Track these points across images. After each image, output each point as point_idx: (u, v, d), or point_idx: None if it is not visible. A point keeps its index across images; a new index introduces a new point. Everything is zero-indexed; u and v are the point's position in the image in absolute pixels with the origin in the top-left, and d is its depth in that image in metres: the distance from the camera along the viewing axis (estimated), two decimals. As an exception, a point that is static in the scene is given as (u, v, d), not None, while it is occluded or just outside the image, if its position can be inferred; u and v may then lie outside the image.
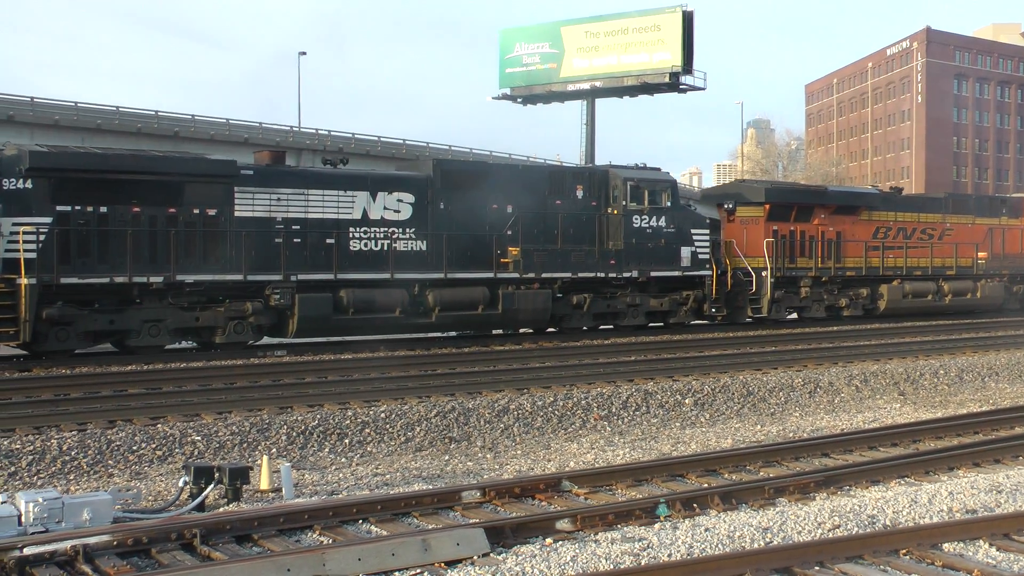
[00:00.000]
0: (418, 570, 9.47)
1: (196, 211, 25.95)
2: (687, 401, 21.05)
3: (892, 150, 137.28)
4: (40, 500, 10.99)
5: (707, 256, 34.19)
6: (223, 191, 26.40)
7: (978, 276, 42.32)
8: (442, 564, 9.61)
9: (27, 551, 9.62)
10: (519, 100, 71.60)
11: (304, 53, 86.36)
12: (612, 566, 9.53)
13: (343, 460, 16.20)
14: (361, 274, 27.87)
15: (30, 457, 15.03)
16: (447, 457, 16.47)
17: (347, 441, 17.03)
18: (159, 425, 16.83)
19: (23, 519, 10.86)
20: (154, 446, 15.86)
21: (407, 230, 28.99)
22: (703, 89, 67.66)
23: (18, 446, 15.27)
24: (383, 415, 18.06)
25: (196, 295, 25.79)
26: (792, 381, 23.10)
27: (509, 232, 30.34)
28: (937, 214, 41.78)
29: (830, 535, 10.59)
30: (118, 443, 15.76)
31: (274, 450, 16.17)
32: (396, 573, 9.41)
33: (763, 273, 35.70)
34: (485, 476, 14.76)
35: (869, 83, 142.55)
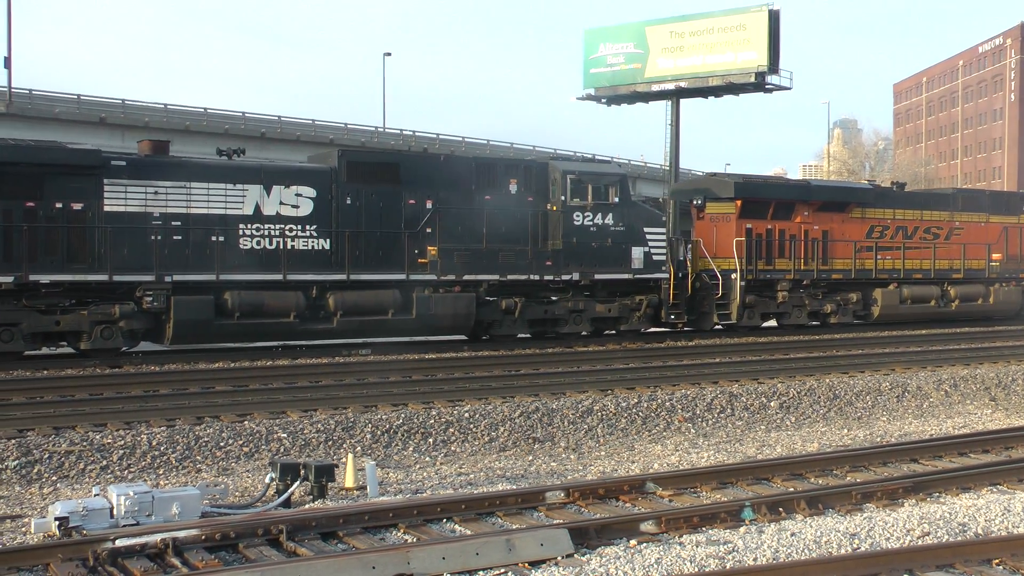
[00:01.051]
0: (502, 570, 9.49)
1: (59, 205, 23.94)
2: (772, 404, 20.87)
3: (983, 150, 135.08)
4: (131, 494, 11.17)
5: (663, 257, 31.32)
6: (91, 184, 24.29)
7: (991, 280, 39.29)
8: (526, 564, 9.62)
9: (119, 543, 9.79)
10: (603, 101, 71.31)
11: (389, 54, 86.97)
12: (696, 569, 9.48)
13: (427, 459, 16.27)
14: (249, 275, 25.61)
15: (121, 451, 15.27)
16: (531, 457, 16.48)
17: (431, 440, 17.10)
18: (246, 422, 17.02)
19: (115, 512, 11.04)
20: (241, 443, 16.04)
21: (307, 227, 26.60)
22: (789, 89, 66.86)
23: (109, 440, 15.53)
24: (467, 415, 18.11)
25: (56, 297, 23.79)
26: (879, 385, 22.81)
27: (429, 230, 27.79)
28: (944, 212, 38.82)
29: (919, 542, 10.45)
30: (206, 439, 15.96)
31: (359, 448, 16.28)
32: (480, 572, 9.43)
33: (732, 275, 32.78)
34: (569, 477, 14.75)
35: (960, 81, 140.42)
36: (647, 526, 10.76)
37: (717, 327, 33.38)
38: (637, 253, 30.88)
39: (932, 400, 22.61)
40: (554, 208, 29.72)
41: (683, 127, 65.41)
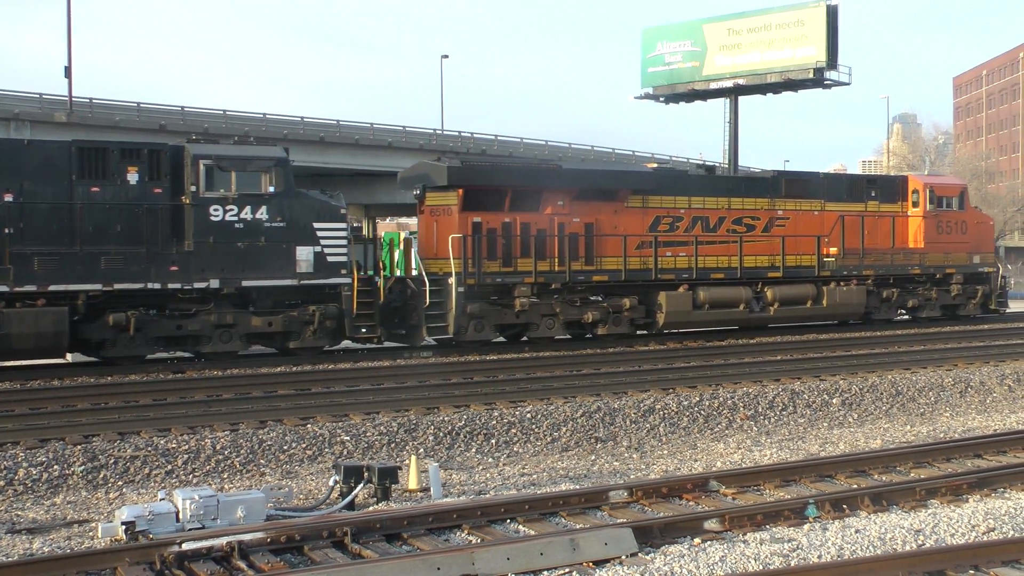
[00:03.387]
0: (566, 569, 9.50)
1: None
2: (835, 401, 20.74)
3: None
4: (196, 497, 11.28)
5: (342, 258, 25.81)
6: None
7: (825, 279, 33.52)
8: (590, 564, 9.63)
9: (185, 546, 9.88)
10: (661, 99, 71.19)
11: (447, 56, 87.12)
12: (761, 567, 9.45)
13: (490, 460, 16.30)
14: None
15: (185, 456, 15.43)
16: (593, 457, 16.47)
17: (493, 441, 17.14)
18: (309, 425, 17.13)
19: (180, 515, 11.15)
20: (304, 446, 16.15)
21: None
22: (848, 84, 66.49)
23: (174, 445, 15.69)
24: (529, 415, 18.14)
25: None
26: (942, 381, 22.61)
27: (8, 230, 22.75)
28: (763, 199, 33.21)
29: (984, 538, 10.36)
30: (269, 443, 16.09)
31: (421, 450, 16.35)
32: (544, 572, 9.44)
33: (449, 280, 27.26)
34: (632, 476, 14.73)
35: (1021, 73, 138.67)
36: (711, 524, 10.74)
37: (431, 343, 28.00)
38: (304, 254, 25.47)
39: (995, 395, 22.38)
40: (187, 201, 24.56)
41: (741, 124, 65.14)
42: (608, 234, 29.85)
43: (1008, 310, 39.10)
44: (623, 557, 9.78)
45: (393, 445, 16.52)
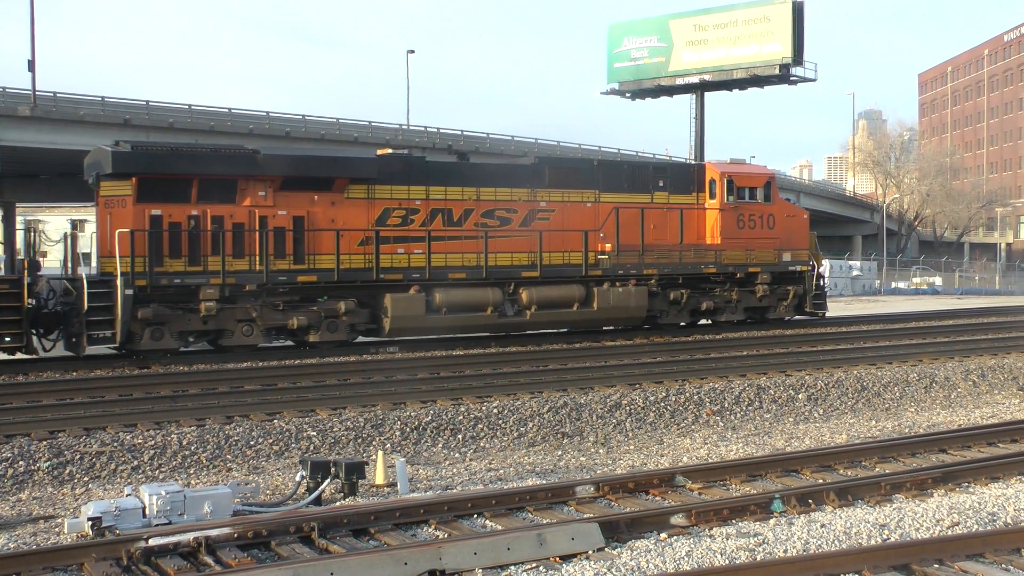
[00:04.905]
0: (533, 564, 9.52)
1: None
2: (800, 396, 20.85)
3: (1010, 139, 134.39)
4: (163, 493, 11.26)
5: None
6: None
7: (597, 279, 29.54)
8: (557, 559, 9.66)
9: (152, 542, 9.86)
10: (627, 95, 71.44)
11: (412, 51, 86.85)
12: (727, 561, 9.50)
13: (457, 455, 16.32)
14: None
15: (152, 452, 15.37)
16: (560, 452, 16.52)
17: (460, 436, 17.15)
18: (275, 421, 17.10)
19: (147, 511, 11.13)
20: (271, 441, 16.12)
21: None
22: (814, 80, 66.92)
23: (140, 441, 15.62)
24: (495, 411, 18.16)
25: None
26: (907, 376, 22.76)
27: None
28: (521, 189, 29.13)
29: (949, 532, 10.45)
30: (236, 438, 16.05)
31: (388, 445, 16.34)
32: (511, 567, 9.47)
33: (116, 282, 23.55)
34: (598, 471, 14.77)
35: (985, 71, 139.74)
36: (677, 519, 10.79)
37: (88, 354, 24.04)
38: None
39: (960, 390, 22.54)
40: None
41: (708, 120, 65.29)
42: (322, 229, 26.33)
43: (827, 313, 34.86)
44: (590, 552, 9.82)
45: (360, 440, 16.51)
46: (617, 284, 29.69)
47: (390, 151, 28.13)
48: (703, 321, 32.29)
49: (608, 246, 29.63)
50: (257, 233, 25.35)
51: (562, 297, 28.91)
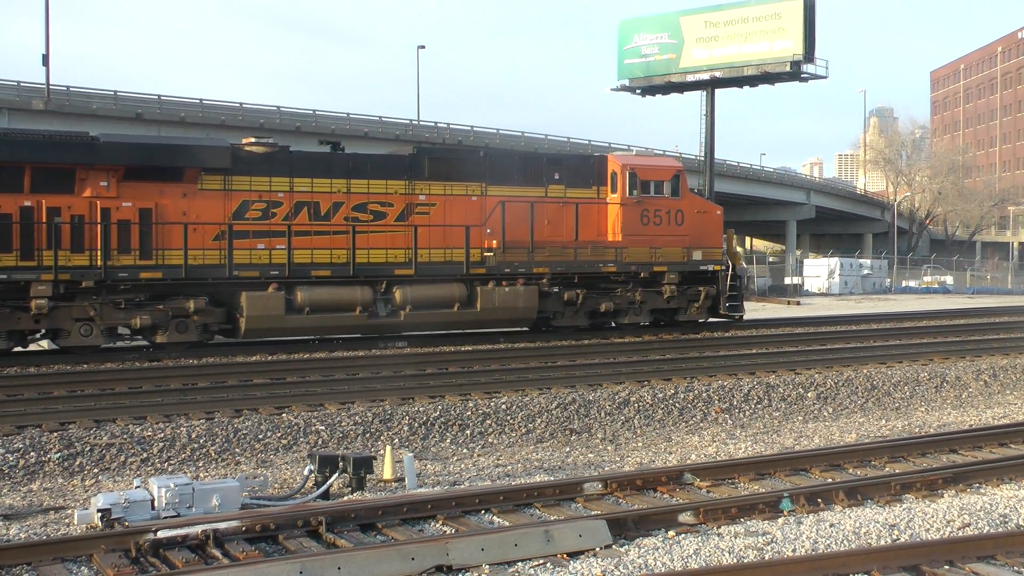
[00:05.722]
0: (541, 560, 9.51)
1: None
2: (810, 395, 20.82)
3: (1023, 137, 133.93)
4: (172, 486, 11.27)
5: None
6: None
7: (482, 277, 27.78)
8: (564, 555, 9.65)
9: (160, 534, 9.88)
10: (638, 91, 71.24)
11: (423, 47, 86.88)
12: (735, 560, 9.48)
13: (465, 451, 16.32)
14: None
15: (161, 444, 15.40)
16: (568, 449, 16.51)
17: (468, 432, 17.15)
18: (284, 415, 17.12)
19: (156, 503, 11.14)
20: (279, 435, 16.14)
21: None
22: (825, 78, 66.66)
23: (149, 433, 15.65)
24: (504, 406, 18.15)
25: None
26: (917, 375, 22.70)
27: None
28: (398, 181, 27.28)
29: (960, 534, 10.41)
30: (244, 432, 16.07)
31: (396, 440, 16.35)
32: (519, 563, 9.46)
33: None
34: (606, 468, 14.76)
35: (999, 68, 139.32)
36: (685, 517, 10.77)
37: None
38: None
39: (971, 390, 22.49)
40: None
41: (719, 117, 65.14)
42: (172, 222, 24.61)
43: (743, 315, 32.72)
44: (597, 549, 9.80)
45: (368, 435, 16.52)
46: (504, 283, 27.98)
47: (253, 139, 26.60)
48: (613, 324, 30.46)
49: (492, 243, 28.01)
50: (100, 226, 23.82)
51: (441, 297, 27.22)
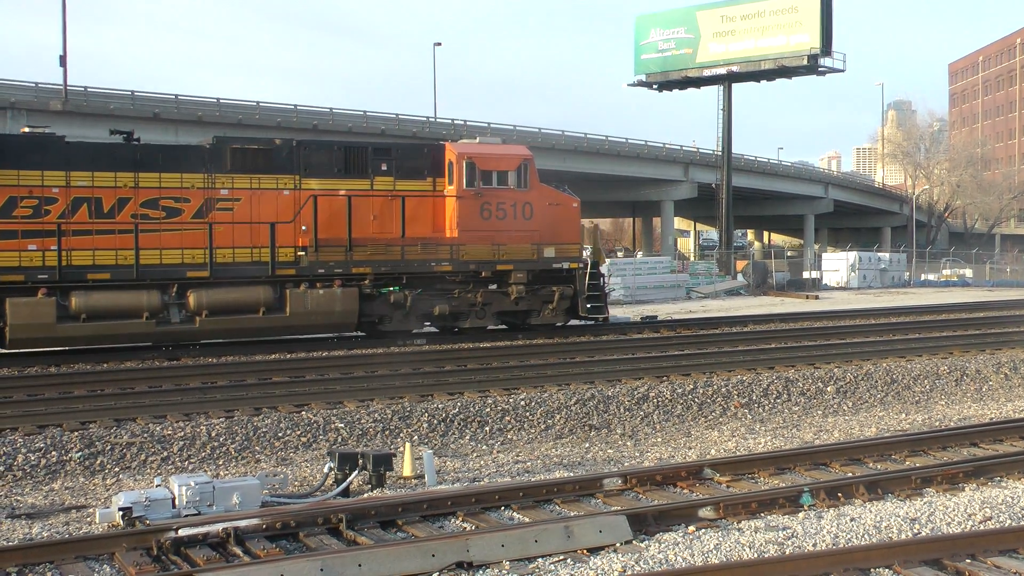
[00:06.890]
0: (561, 556, 9.52)
1: None
2: (829, 389, 20.76)
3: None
4: (192, 484, 11.30)
5: None
6: None
7: (293, 279, 25.49)
8: (584, 551, 9.65)
9: (182, 532, 9.92)
10: (654, 86, 71.30)
11: (439, 44, 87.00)
12: (756, 555, 9.46)
13: (484, 447, 16.33)
14: None
15: (181, 443, 15.44)
16: (587, 445, 16.50)
17: (488, 429, 17.15)
18: (303, 412, 17.14)
19: (176, 502, 11.18)
20: (299, 433, 16.17)
21: None
22: (842, 71, 66.61)
23: (170, 432, 15.70)
24: (523, 403, 18.15)
25: None
26: (937, 369, 22.62)
27: None
28: (195, 174, 24.85)
29: (981, 527, 10.37)
30: (264, 430, 16.10)
31: (416, 437, 16.36)
32: (539, 559, 9.46)
33: None
34: (626, 464, 14.76)
35: (1018, 59, 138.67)
36: (705, 512, 10.76)
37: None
38: None
39: (991, 383, 22.40)
40: None
41: (736, 112, 65.05)
42: None
43: (607, 316, 30.00)
44: (617, 544, 9.80)
45: (387, 432, 16.54)
46: (319, 285, 25.68)
47: (27, 128, 24.65)
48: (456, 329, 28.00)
49: (303, 241, 25.72)
50: None
51: (242, 301, 24.85)
